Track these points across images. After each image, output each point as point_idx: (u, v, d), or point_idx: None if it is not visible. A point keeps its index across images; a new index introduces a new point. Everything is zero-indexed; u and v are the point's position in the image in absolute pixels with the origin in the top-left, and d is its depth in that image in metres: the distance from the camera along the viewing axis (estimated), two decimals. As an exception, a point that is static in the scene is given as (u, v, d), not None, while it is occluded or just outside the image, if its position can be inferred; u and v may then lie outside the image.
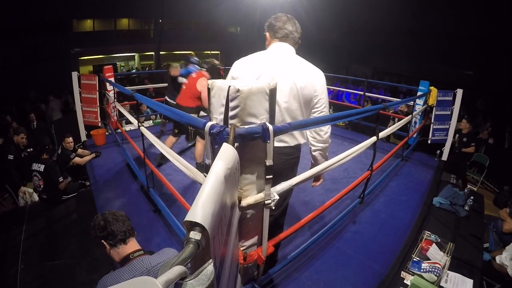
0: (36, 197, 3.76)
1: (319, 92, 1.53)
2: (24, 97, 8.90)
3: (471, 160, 5.45)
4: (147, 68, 15.49)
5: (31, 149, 4.27)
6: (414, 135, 4.26)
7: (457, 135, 4.95)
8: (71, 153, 3.82)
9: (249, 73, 1.51)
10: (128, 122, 5.09)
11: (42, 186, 3.41)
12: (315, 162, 1.75)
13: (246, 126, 1.21)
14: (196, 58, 3.67)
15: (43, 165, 3.39)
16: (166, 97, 4.00)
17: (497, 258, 2.47)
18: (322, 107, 1.57)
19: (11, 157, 3.93)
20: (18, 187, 3.85)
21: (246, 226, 1.38)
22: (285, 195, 1.64)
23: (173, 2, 13.87)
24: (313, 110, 1.58)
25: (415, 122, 4.42)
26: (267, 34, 1.63)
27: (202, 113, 3.35)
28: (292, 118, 1.52)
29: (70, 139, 3.89)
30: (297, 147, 1.63)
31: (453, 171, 4.20)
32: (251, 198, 1.29)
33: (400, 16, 12.17)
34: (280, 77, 1.45)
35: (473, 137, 4.95)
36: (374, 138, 2.20)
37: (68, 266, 2.42)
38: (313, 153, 1.72)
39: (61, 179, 3.49)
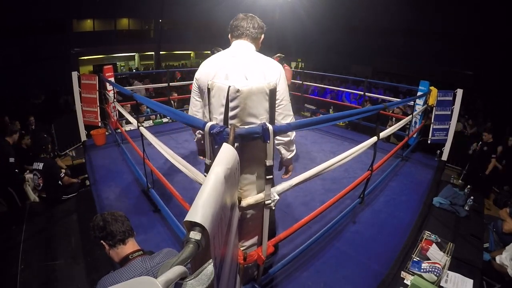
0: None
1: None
2: (24, 97, 8.87)
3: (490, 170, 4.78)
4: (142, 68, 15.47)
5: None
6: (414, 135, 4.26)
7: (479, 143, 4.72)
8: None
9: (207, 73, 1.54)
10: (128, 122, 5.08)
11: (41, 184, 3.40)
12: (282, 156, 1.74)
13: (246, 126, 1.21)
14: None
15: (42, 163, 3.40)
16: None
17: (497, 258, 2.46)
18: (280, 100, 1.55)
19: (12, 159, 3.92)
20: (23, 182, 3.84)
21: (246, 226, 1.38)
22: None
23: (173, 2, 13.88)
24: None
25: (415, 122, 4.42)
26: (229, 35, 1.66)
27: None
28: None
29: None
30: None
31: (474, 183, 3.47)
32: (251, 198, 1.29)
33: (400, 16, 12.18)
34: (232, 74, 1.47)
35: (494, 147, 4.55)
36: (374, 138, 2.20)
37: (68, 266, 2.42)
38: (277, 147, 1.70)
39: (62, 174, 3.50)
